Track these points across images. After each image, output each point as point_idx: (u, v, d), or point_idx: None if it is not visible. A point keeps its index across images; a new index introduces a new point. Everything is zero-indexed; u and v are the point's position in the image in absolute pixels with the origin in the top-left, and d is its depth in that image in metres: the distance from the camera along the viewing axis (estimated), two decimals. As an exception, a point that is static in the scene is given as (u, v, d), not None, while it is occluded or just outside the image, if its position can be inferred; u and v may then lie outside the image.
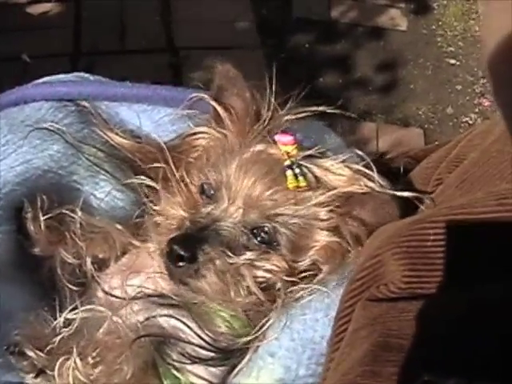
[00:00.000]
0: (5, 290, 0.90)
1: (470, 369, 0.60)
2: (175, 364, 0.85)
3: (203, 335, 0.86)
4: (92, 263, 0.94)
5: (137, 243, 0.95)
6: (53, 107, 1.01)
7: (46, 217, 0.94)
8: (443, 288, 0.69)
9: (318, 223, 0.89)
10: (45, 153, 0.96)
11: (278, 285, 0.87)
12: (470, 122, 2.91)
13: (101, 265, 0.96)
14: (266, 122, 0.94)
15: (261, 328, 0.84)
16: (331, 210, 0.89)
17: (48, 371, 0.85)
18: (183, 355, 0.85)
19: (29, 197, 0.94)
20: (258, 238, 0.89)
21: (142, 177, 0.97)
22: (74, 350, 0.84)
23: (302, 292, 0.86)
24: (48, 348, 0.86)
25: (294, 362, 0.81)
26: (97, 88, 1.06)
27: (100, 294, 0.93)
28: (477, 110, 2.98)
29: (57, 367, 0.84)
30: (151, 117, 1.04)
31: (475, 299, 0.66)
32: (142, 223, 0.96)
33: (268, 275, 0.88)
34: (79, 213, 0.94)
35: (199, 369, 0.85)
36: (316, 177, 0.90)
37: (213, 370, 0.86)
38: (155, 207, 0.95)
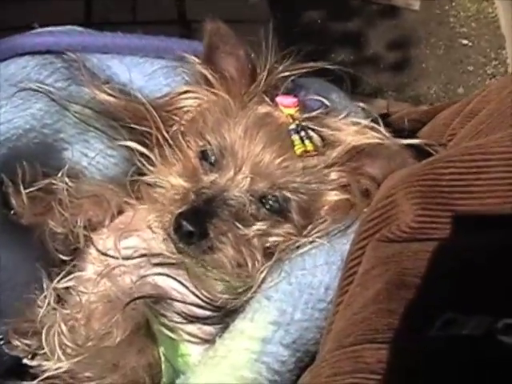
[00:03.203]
0: None
1: (495, 307, 0.59)
2: (168, 324, 0.84)
3: (199, 294, 0.84)
4: (85, 227, 0.91)
5: (133, 202, 0.93)
6: (38, 64, 0.97)
7: (28, 190, 0.90)
8: (458, 229, 0.68)
9: (328, 185, 0.87)
10: (26, 111, 0.92)
11: (282, 244, 0.86)
12: (481, 103, 2.88)
13: (96, 227, 0.93)
14: (262, 81, 0.90)
15: (261, 283, 0.83)
16: (341, 170, 0.87)
17: (40, 351, 0.84)
18: (179, 314, 0.83)
19: (10, 158, 0.90)
20: (268, 207, 0.87)
21: (134, 144, 0.93)
22: (58, 315, 0.82)
23: (303, 242, 0.84)
24: (32, 330, 0.84)
25: (289, 305, 0.79)
26: (86, 38, 1.01)
27: (93, 257, 0.91)
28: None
29: (43, 335, 0.82)
30: (144, 70, 1.00)
31: (492, 244, 0.66)
32: (137, 181, 0.93)
33: (279, 241, 0.86)
34: (66, 180, 0.91)
35: (192, 327, 0.84)
36: (322, 137, 0.87)
37: (207, 328, 0.84)
38: (151, 169, 0.92)
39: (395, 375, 0.60)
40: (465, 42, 3.08)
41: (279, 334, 0.79)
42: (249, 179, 0.86)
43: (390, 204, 0.73)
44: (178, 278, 0.85)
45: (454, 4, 3.19)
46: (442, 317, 0.60)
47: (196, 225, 0.83)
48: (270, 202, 0.87)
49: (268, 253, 0.86)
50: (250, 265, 0.85)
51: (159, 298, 0.85)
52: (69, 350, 0.81)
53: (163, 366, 0.84)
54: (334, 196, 0.88)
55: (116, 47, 1.01)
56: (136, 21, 2.65)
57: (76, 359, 0.81)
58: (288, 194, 0.86)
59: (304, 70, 0.91)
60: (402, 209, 0.71)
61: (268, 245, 0.86)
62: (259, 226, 0.86)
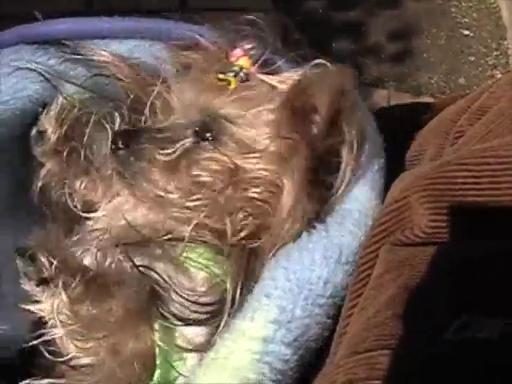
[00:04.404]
0: None
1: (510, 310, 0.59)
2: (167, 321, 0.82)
3: (184, 292, 0.82)
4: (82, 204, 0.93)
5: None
6: (32, 48, 0.97)
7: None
8: (472, 233, 0.67)
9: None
10: (23, 93, 0.93)
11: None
12: (482, 94, 2.88)
13: (90, 207, 0.94)
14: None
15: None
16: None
17: (51, 284, 0.82)
18: (173, 315, 0.81)
19: (8, 136, 0.92)
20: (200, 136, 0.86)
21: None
22: (60, 283, 0.81)
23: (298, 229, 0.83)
24: (59, 261, 0.82)
25: (289, 302, 0.78)
26: (78, 25, 1.00)
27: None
28: (489, 81, 2.95)
29: (45, 296, 0.82)
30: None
31: (505, 246, 0.65)
32: None
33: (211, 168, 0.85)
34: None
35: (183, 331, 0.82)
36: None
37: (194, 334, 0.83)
38: None
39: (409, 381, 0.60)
40: (466, 32, 3.07)
41: (280, 333, 0.77)
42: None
43: (403, 207, 0.72)
44: (162, 274, 0.83)
45: (455, -6, 3.19)
46: (457, 320, 0.60)
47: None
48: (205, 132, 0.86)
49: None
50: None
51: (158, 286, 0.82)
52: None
53: (158, 358, 0.83)
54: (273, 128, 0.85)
55: (111, 31, 1.00)
56: (138, 9, 2.64)
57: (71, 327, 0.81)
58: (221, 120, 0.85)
59: None
60: (416, 212, 0.71)
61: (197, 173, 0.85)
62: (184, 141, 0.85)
